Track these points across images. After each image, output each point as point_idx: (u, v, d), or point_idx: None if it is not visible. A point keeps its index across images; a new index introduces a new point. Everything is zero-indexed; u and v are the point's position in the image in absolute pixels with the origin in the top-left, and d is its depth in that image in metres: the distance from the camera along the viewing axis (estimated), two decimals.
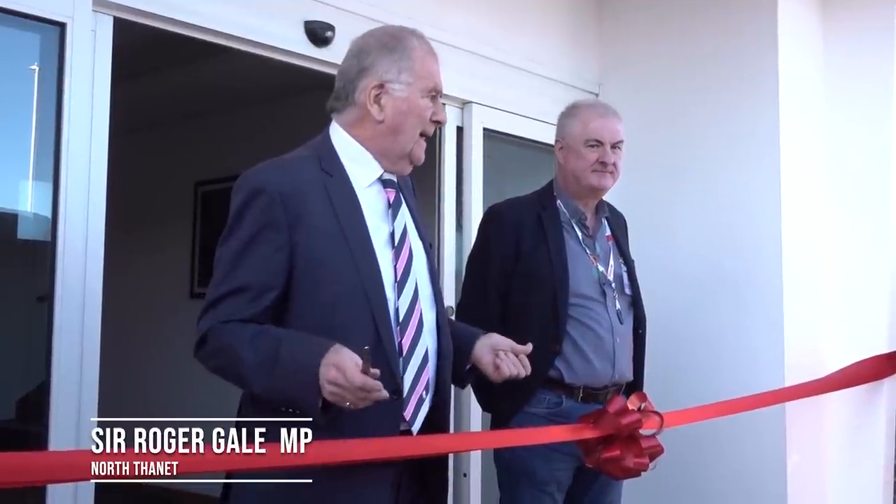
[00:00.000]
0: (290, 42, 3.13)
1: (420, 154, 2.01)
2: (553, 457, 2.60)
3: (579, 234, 2.77)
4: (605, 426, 2.30)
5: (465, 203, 3.73)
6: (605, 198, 2.87)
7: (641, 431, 2.34)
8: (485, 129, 3.81)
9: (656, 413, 2.39)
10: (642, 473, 2.37)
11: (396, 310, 1.91)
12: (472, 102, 3.75)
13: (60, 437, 2.46)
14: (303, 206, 1.87)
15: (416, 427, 1.93)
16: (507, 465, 2.71)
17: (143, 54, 3.84)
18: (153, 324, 6.11)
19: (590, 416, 2.35)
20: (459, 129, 3.76)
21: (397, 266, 1.93)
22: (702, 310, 3.90)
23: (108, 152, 2.64)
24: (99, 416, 2.54)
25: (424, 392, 1.94)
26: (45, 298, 2.52)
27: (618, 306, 2.73)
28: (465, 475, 3.57)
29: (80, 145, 2.56)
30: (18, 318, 2.75)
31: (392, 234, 1.96)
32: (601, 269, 2.74)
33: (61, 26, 2.55)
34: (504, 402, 2.68)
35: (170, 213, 6.31)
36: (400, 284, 1.93)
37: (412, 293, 1.94)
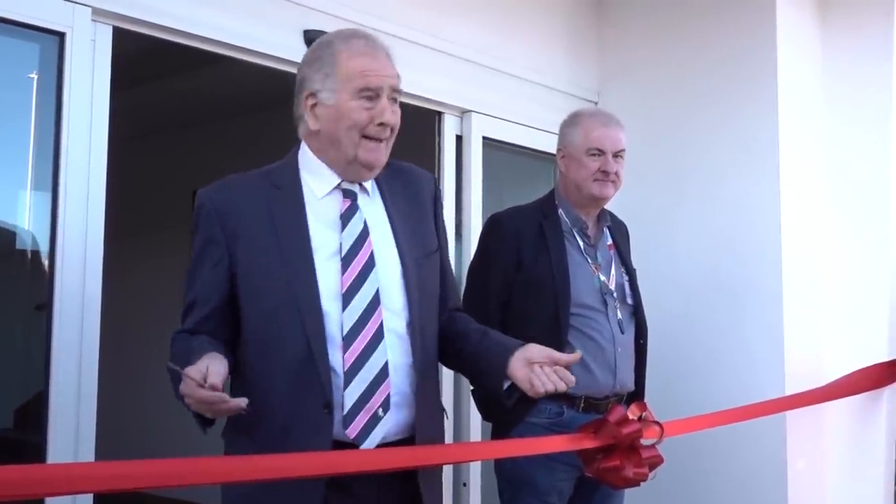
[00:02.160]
0: (288, 51, 3.13)
1: (369, 158, 1.94)
2: (555, 467, 2.59)
3: (581, 243, 2.76)
4: (605, 436, 2.28)
5: (465, 212, 3.72)
6: (605, 206, 2.87)
7: (641, 441, 2.33)
8: (484, 137, 3.81)
9: (656, 423, 2.38)
10: (641, 483, 2.37)
11: (341, 323, 1.87)
12: (471, 111, 3.75)
13: (59, 446, 2.45)
14: (239, 221, 1.91)
15: (367, 444, 1.86)
16: (508, 476, 2.70)
17: (143, 63, 3.84)
18: (151, 332, 6.08)
19: (590, 425, 2.34)
20: (459, 138, 3.76)
21: (344, 278, 1.89)
22: (702, 318, 3.89)
23: (107, 161, 2.64)
24: (98, 425, 2.55)
25: (381, 410, 1.87)
26: (44, 307, 2.51)
27: (619, 316, 2.73)
28: (464, 485, 3.56)
29: (80, 154, 2.56)
30: (17, 327, 2.75)
31: (341, 246, 1.93)
32: (602, 278, 2.73)
33: (61, 36, 2.55)
34: (505, 411, 2.67)
35: (167, 221, 6.30)
36: (346, 296, 1.88)
37: (364, 306, 1.89)
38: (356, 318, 1.88)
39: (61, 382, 2.48)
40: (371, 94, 1.92)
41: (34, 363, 2.53)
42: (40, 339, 2.50)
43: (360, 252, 1.93)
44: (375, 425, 1.87)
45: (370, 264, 1.92)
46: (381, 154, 1.96)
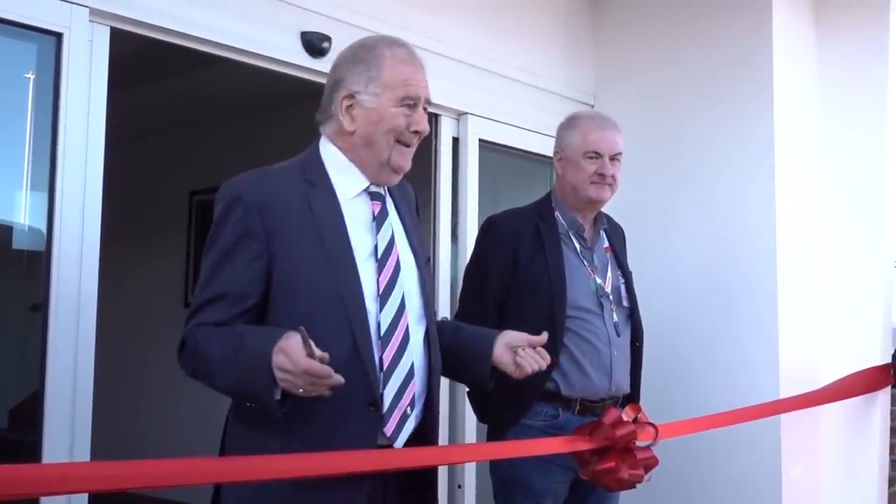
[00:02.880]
0: (286, 52, 3.13)
1: (401, 163, 1.98)
2: (550, 469, 2.59)
3: (577, 245, 2.77)
4: (600, 438, 2.29)
5: (461, 214, 3.73)
6: (602, 209, 2.88)
7: (636, 443, 2.33)
8: (480, 140, 3.82)
9: (651, 425, 2.38)
10: (637, 485, 2.37)
11: (378, 323, 1.90)
12: (467, 113, 3.76)
13: (54, 446, 2.45)
14: (281, 217, 1.89)
15: (399, 443, 1.92)
16: (503, 478, 2.70)
17: (140, 64, 3.84)
18: (148, 332, 6.10)
19: (584, 427, 2.35)
20: (455, 140, 3.77)
21: (380, 279, 1.92)
22: (697, 320, 3.90)
23: (104, 161, 2.64)
24: (94, 425, 2.55)
25: (409, 408, 1.92)
26: (40, 307, 2.51)
27: (615, 318, 2.73)
28: (459, 486, 3.56)
29: (76, 154, 2.56)
30: (12, 327, 2.74)
31: (376, 247, 1.95)
32: (599, 281, 2.74)
33: (58, 36, 2.55)
34: (501, 414, 2.68)
35: (165, 222, 6.31)
36: (382, 297, 1.91)
37: (397, 307, 1.93)
38: (391, 318, 1.92)
39: (57, 382, 2.48)
40: (412, 103, 1.96)
41: (29, 363, 2.53)
42: (36, 339, 2.49)
43: (391, 255, 1.97)
44: (405, 424, 1.92)
45: (398, 267, 1.97)
46: (409, 159, 2.01)
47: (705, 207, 3.98)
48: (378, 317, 1.90)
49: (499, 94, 3.91)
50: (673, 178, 4.08)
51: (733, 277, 3.84)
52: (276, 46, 3.11)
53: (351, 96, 1.96)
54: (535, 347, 2.08)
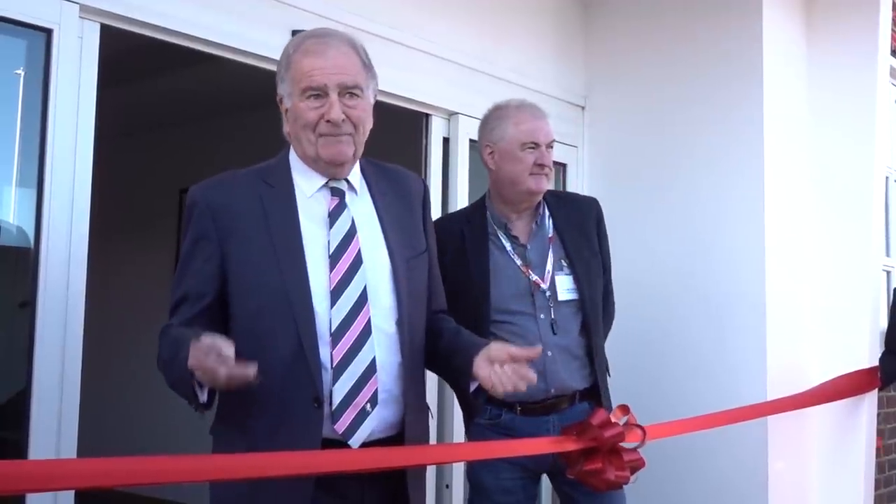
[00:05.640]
0: (277, 51, 3.06)
1: (329, 154, 1.95)
2: (499, 467, 2.59)
3: (507, 244, 2.70)
4: (587, 438, 2.30)
5: None
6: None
7: (623, 444, 2.34)
8: (471, 140, 3.81)
9: (639, 426, 2.39)
10: (623, 486, 2.38)
11: (330, 320, 1.89)
12: (458, 114, 3.75)
13: (41, 444, 2.44)
14: (233, 219, 1.93)
15: (355, 440, 1.89)
16: (467, 478, 2.74)
17: (130, 61, 3.83)
18: (136, 329, 6.08)
19: (572, 427, 2.35)
20: (446, 140, 3.77)
21: (332, 275, 1.91)
22: (684, 323, 3.91)
23: (93, 158, 2.63)
24: (80, 423, 2.54)
25: (369, 405, 1.89)
26: (27, 304, 2.50)
27: (552, 316, 2.64)
28: (447, 486, 3.56)
29: (65, 151, 2.55)
30: (0, 324, 2.73)
31: (329, 243, 1.95)
32: (534, 277, 2.65)
33: (48, 32, 2.54)
34: (464, 412, 2.71)
35: (154, 219, 6.29)
36: (334, 294, 1.90)
37: (352, 303, 1.91)
38: (344, 315, 1.90)
39: (44, 380, 2.47)
40: (317, 93, 1.93)
41: (17, 360, 2.52)
42: (23, 336, 2.48)
43: (348, 250, 1.95)
44: (363, 421, 1.90)
45: (357, 262, 1.94)
46: (341, 148, 1.96)
47: (695, 209, 3.98)
48: (329, 313, 1.89)
49: (490, 94, 3.87)
50: (662, 180, 4.09)
51: (721, 280, 3.85)
52: (267, 44, 3.09)
53: (281, 100, 2.02)
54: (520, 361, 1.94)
